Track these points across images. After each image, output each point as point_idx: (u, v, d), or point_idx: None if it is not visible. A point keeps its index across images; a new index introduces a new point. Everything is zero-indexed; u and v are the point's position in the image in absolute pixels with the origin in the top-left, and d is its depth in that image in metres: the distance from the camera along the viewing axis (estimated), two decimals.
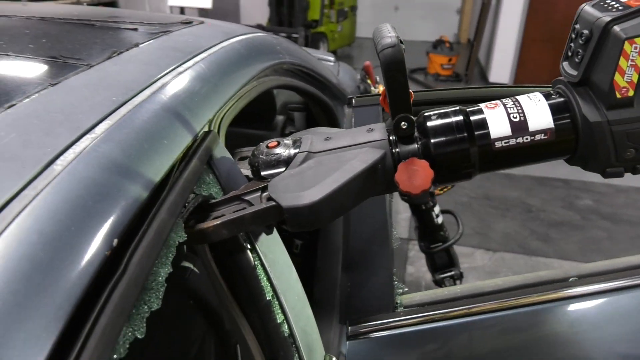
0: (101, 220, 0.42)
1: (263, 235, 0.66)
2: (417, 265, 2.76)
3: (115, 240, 0.41)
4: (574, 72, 0.58)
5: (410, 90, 0.62)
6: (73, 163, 0.44)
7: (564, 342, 0.82)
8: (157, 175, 0.51)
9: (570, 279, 0.86)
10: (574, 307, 0.83)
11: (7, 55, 0.66)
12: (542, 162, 0.61)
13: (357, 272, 0.84)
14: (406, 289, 0.86)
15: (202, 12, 6.65)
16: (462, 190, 3.64)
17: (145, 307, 0.45)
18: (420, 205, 1.95)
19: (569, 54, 0.60)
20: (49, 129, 0.47)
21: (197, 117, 0.63)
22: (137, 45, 0.75)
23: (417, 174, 0.58)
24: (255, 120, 1.69)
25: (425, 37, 8.80)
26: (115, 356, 0.39)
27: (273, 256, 0.67)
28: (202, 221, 0.58)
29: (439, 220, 1.98)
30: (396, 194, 2.03)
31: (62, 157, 0.44)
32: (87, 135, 0.48)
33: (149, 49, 0.75)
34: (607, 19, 0.52)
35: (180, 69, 0.69)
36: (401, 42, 0.57)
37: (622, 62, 0.50)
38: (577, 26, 0.57)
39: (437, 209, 1.97)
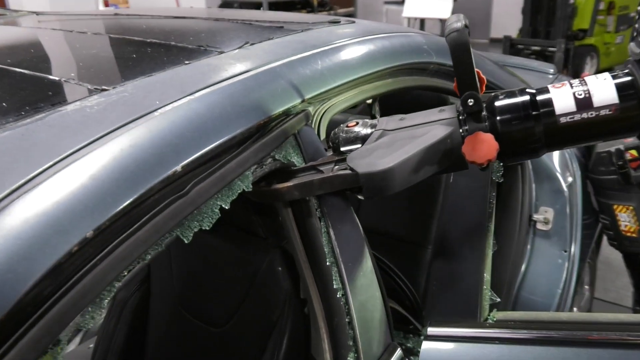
0: (173, 151, 0.69)
1: (335, 207, 0.87)
2: None
3: (179, 167, 0.68)
4: (638, 50, 0.69)
5: (483, 76, 0.77)
6: (167, 112, 0.73)
7: None
8: (232, 132, 0.77)
9: None
10: None
11: (169, 43, 1.03)
12: (610, 138, 0.73)
13: (445, 271, 0.97)
14: (498, 300, 0.94)
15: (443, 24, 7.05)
16: None
17: (197, 223, 0.71)
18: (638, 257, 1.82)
19: (634, 34, 0.70)
20: (163, 90, 0.79)
21: (289, 96, 0.88)
22: (270, 39, 1.05)
23: (482, 145, 0.74)
24: None
25: None
26: (157, 247, 0.65)
27: (342, 227, 0.87)
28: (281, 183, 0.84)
29: None
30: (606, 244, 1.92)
31: (163, 108, 0.74)
32: (188, 97, 0.78)
33: (278, 42, 1.04)
34: None
35: (293, 58, 0.96)
36: (467, 26, 0.74)
37: None
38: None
39: None
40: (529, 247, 1.67)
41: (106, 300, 0.58)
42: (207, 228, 0.72)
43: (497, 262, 1.21)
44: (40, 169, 0.60)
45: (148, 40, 1.05)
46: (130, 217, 0.62)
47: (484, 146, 0.73)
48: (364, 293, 0.88)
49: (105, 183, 0.62)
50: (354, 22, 1.28)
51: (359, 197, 0.84)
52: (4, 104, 0.75)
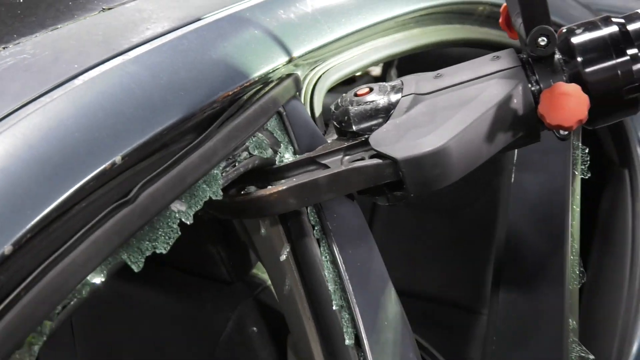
0: (109, 135, 0.81)
1: (345, 220, 0.99)
2: None
3: (119, 158, 0.81)
4: None
5: None
6: (93, 79, 0.86)
7: None
8: (190, 109, 0.89)
9: None
10: None
11: None
12: None
13: (509, 319, 1.09)
14: (591, 358, 1.06)
15: None
16: None
17: (149, 243, 0.83)
18: None
19: None
20: (81, 48, 0.91)
21: (269, 53, 1.01)
22: None
23: (567, 101, 0.86)
24: None
25: None
26: (97, 277, 0.77)
27: (356, 252, 0.98)
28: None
29: None
30: None
31: (86, 74, 0.86)
32: (120, 57, 0.90)
33: None
34: None
35: None
36: None
37: None
38: None
39: None
40: None
41: (37, 347, 0.69)
42: (163, 251, 0.83)
43: (594, 305, 1.28)
44: None
45: None
46: (61, 228, 0.73)
47: (571, 101, 0.85)
48: (391, 354, 1.00)
49: (22, 180, 0.73)
50: None
51: (381, 202, 0.96)
52: None
